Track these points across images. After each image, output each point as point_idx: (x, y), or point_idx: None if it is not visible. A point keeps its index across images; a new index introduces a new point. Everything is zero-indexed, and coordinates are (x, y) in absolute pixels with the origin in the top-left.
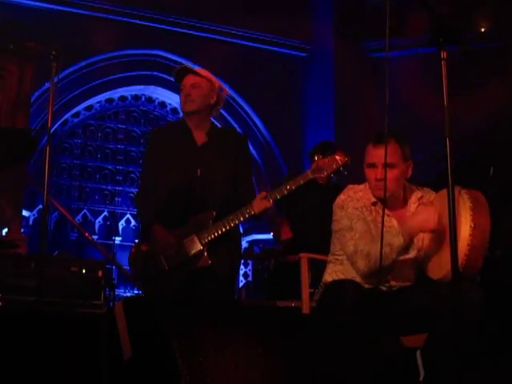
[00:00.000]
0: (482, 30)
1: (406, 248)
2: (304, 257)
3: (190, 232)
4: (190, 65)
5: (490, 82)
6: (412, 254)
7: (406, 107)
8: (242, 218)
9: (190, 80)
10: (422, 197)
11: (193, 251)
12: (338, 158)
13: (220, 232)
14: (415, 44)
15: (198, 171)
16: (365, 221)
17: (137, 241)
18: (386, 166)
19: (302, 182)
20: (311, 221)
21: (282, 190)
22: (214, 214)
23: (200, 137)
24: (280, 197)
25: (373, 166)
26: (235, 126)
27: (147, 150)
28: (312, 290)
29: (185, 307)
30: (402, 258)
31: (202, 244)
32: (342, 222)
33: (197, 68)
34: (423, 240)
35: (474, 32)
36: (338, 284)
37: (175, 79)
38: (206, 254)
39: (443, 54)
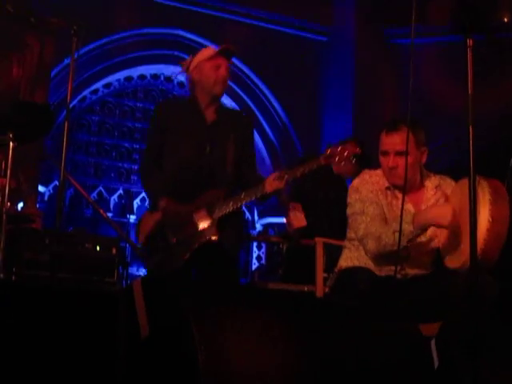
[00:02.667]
0: (506, 20)
1: (416, 235)
2: (319, 241)
3: (200, 207)
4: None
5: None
6: (425, 241)
7: (427, 95)
8: (253, 197)
9: (226, 63)
10: (439, 184)
11: (202, 225)
12: (349, 146)
13: (231, 209)
14: (438, 32)
15: (208, 148)
16: (378, 204)
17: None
18: (406, 154)
19: (314, 167)
20: (326, 207)
21: (295, 172)
22: (225, 191)
23: (210, 115)
24: (292, 179)
25: (386, 153)
26: (253, 107)
27: (154, 121)
28: (326, 275)
29: (203, 287)
30: (417, 246)
31: (212, 218)
32: (355, 206)
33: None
34: (438, 230)
35: (499, 22)
36: (352, 271)
37: (221, 52)
38: (215, 228)
39: (469, 42)
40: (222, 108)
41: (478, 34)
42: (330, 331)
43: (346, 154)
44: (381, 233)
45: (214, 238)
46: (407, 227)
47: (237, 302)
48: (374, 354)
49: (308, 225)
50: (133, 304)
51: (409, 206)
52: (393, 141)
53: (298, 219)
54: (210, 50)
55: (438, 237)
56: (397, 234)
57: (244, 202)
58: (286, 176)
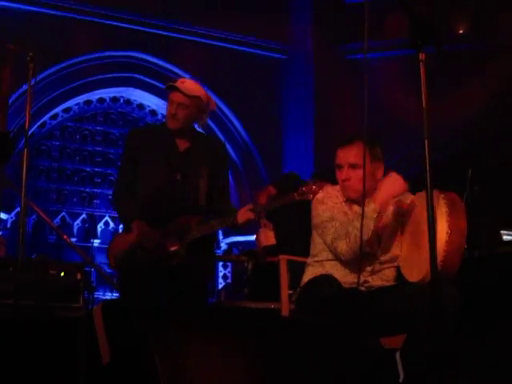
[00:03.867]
0: (461, 31)
1: (382, 251)
2: (283, 259)
3: (171, 232)
4: (185, 77)
5: (468, 84)
6: (389, 255)
7: (385, 109)
8: (224, 226)
9: (177, 98)
10: (399, 200)
11: (172, 248)
12: (324, 185)
13: (202, 235)
14: (394, 46)
15: (179, 176)
16: (345, 214)
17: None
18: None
19: (288, 202)
20: (295, 225)
21: (268, 206)
22: (196, 218)
23: (183, 142)
24: (262, 211)
25: (340, 167)
26: (214, 128)
27: (126, 149)
28: (291, 292)
29: (165, 310)
30: (381, 258)
31: (182, 244)
32: (323, 215)
33: (187, 83)
34: (400, 241)
35: (453, 34)
36: (316, 279)
37: (166, 89)
38: (185, 253)
39: (421, 56)
40: (196, 135)
41: (430, 47)
42: (293, 350)
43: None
44: (347, 230)
45: (181, 261)
46: (370, 222)
47: (200, 325)
48: (337, 371)
49: (277, 243)
50: (94, 330)
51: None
52: (346, 154)
53: (267, 237)
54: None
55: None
56: (364, 228)
57: (214, 230)
58: (258, 209)
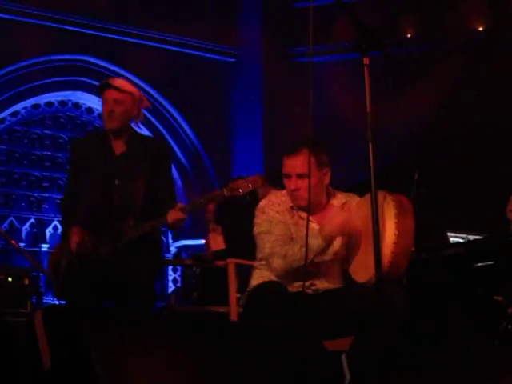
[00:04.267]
0: (409, 35)
1: (323, 250)
2: (231, 262)
3: (105, 237)
4: (120, 76)
5: (416, 86)
6: (328, 257)
7: (334, 112)
8: (155, 226)
9: (112, 95)
10: (345, 202)
11: (105, 254)
12: (253, 179)
13: (133, 237)
14: (342, 49)
15: (116, 181)
16: (285, 224)
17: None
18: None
19: (218, 199)
20: (240, 228)
21: (196, 204)
22: (131, 221)
23: (119, 146)
24: (193, 210)
25: (288, 176)
26: (163, 132)
27: (69, 160)
28: (239, 296)
29: (104, 314)
30: (328, 260)
31: (115, 248)
32: (262, 226)
33: (118, 80)
34: (339, 243)
35: (401, 37)
36: (263, 286)
37: (99, 92)
38: (115, 256)
39: (366, 60)
40: (134, 138)
41: (374, 51)
42: (236, 353)
43: (250, 185)
44: (287, 250)
45: (116, 266)
46: (315, 242)
47: (142, 328)
48: (283, 373)
49: (226, 247)
50: (35, 336)
51: (313, 225)
52: (293, 163)
53: (217, 242)
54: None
55: (338, 253)
56: (303, 249)
57: (147, 232)
58: (187, 208)
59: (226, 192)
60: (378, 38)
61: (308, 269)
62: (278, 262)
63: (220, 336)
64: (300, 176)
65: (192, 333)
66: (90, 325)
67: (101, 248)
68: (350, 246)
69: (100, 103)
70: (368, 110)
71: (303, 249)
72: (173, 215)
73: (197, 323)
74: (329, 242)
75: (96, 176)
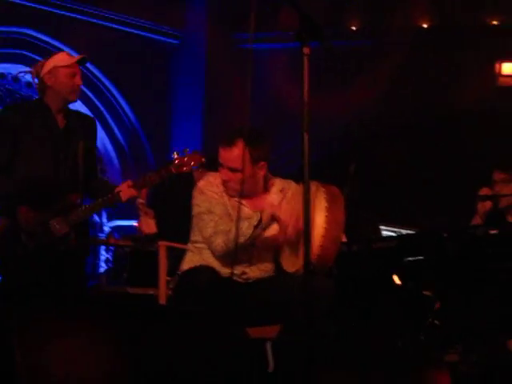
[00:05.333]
0: (354, 28)
1: (262, 228)
2: (162, 245)
3: (57, 213)
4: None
5: (358, 80)
6: (270, 234)
7: (276, 99)
8: (108, 205)
9: (78, 70)
10: (283, 188)
11: (60, 232)
12: (195, 157)
13: (88, 215)
14: (287, 38)
15: (62, 155)
16: (224, 205)
17: None
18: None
19: (166, 176)
20: (173, 211)
21: (149, 181)
22: (78, 197)
23: (61, 120)
24: (144, 186)
25: (221, 166)
26: (102, 109)
27: (2, 126)
28: (169, 279)
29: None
30: (260, 249)
31: (69, 226)
32: (201, 206)
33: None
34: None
35: (346, 30)
36: (194, 271)
37: (80, 62)
38: (73, 235)
39: (306, 50)
40: (69, 112)
41: (315, 42)
42: (161, 337)
43: (192, 163)
44: (230, 228)
45: (71, 245)
46: (254, 218)
47: (67, 310)
48: (207, 359)
49: (159, 230)
50: None
51: (248, 210)
52: (227, 156)
53: (149, 225)
54: (66, 56)
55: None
56: (246, 224)
57: (99, 209)
58: (138, 185)
59: (173, 169)
60: (319, 28)
61: (241, 257)
62: (220, 240)
63: (151, 320)
64: (232, 170)
65: (117, 315)
66: (11, 306)
67: (54, 226)
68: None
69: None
70: (305, 99)
71: (246, 223)
72: (127, 193)
73: (122, 305)
74: (264, 226)
75: (44, 148)
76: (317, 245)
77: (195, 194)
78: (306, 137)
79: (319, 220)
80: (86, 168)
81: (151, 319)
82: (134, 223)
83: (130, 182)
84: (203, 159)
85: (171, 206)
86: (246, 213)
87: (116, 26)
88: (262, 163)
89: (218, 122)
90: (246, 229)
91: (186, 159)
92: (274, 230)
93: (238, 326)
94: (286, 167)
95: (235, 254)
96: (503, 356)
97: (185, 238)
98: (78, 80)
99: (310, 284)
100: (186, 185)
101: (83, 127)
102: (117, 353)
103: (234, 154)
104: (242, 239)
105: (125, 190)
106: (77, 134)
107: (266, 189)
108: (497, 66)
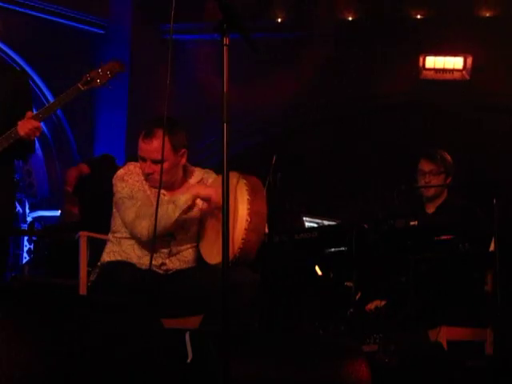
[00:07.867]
0: (279, 20)
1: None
2: (83, 235)
3: None
4: None
5: (282, 72)
6: (188, 236)
7: (201, 91)
8: (6, 143)
9: None
10: (202, 178)
11: None
12: (110, 66)
13: None
14: (212, 29)
15: None
16: (145, 193)
17: None
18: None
19: (72, 96)
20: (98, 201)
21: (51, 107)
22: None
23: None
24: (48, 115)
25: (143, 159)
26: None
27: None
28: (90, 269)
29: None
30: (179, 239)
31: None
32: (122, 192)
33: None
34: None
35: (271, 22)
36: (114, 265)
37: None
38: None
39: (226, 40)
40: None
41: (235, 33)
42: (81, 327)
43: (108, 74)
44: (153, 211)
45: None
46: (182, 201)
47: None
48: (123, 350)
49: (82, 219)
50: None
51: (167, 199)
52: (148, 148)
53: (72, 214)
54: None
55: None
56: (170, 206)
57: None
58: (40, 114)
59: (81, 86)
60: (240, 19)
61: (160, 248)
62: (144, 224)
63: (71, 310)
64: (155, 161)
65: (41, 306)
66: None
67: None
68: (203, 226)
69: None
70: (225, 90)
71: (172, 205)
72: (25, 125)
73: (41, 296)
74: (192, 200)
75: None
76: (240, 238)
77: (115, 181)
78: (225, 127)
79: (242, 212)
80: (12, 120)
81: (72, 309)
82: (57, 213)
83: (30, 113)
84: (120, 66)
85: (95, 194)
86: (168, 200)
87: (40, 15)
88: (183, 150)
89: (143, 112)
90: (173, 211)
91: (99, 71)
92: (195, 212)
93: (156, 317)
94: (210, 159)
95: (154, 240)
96: (424, 346)
97: (108, 227)
98: None
99: (230, 276)
100: (109, 174)
101: (7, 80)
102: (34, 343)
103: (155, 145)
104: (168, 222)
105: (23, 123)
106: None
107: (186, 179)
108: (420, 59)
